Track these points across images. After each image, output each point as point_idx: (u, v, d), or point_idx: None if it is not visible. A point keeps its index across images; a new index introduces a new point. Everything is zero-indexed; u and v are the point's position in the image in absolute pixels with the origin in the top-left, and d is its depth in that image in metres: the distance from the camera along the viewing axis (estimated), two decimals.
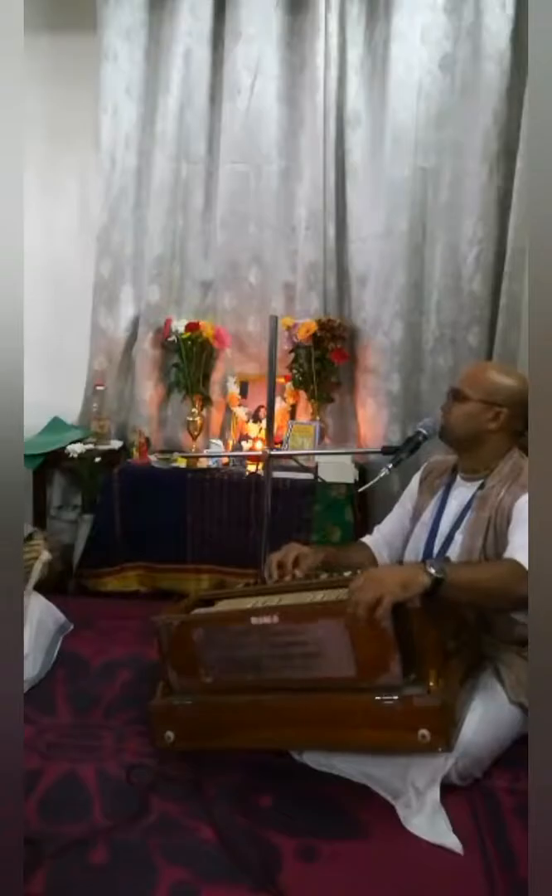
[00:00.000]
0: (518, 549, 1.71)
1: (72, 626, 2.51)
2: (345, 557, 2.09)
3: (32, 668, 2.18)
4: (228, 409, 3.27)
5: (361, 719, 1.61)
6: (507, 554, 1.74)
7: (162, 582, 2.98)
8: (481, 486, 1.94)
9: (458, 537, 1.92)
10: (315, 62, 3.00)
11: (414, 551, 2.03)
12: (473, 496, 1.94)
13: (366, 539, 2.21)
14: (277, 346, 2.43)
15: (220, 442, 3.22)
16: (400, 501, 2.20)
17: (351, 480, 2.89)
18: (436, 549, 1.94)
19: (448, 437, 2.01)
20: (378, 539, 2.18)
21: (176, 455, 3.09)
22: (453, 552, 1.90)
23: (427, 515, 2.04)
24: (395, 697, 1.57)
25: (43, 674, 2.23)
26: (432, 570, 1.58)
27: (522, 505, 1.81)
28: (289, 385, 3.19)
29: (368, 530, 2.43)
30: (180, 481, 2.94)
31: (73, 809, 1.64)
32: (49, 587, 2.49)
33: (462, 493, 1.99)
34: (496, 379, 1.97)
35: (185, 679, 1.81)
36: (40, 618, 2.35)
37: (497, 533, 1.85)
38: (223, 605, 1.95)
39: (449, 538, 1.94)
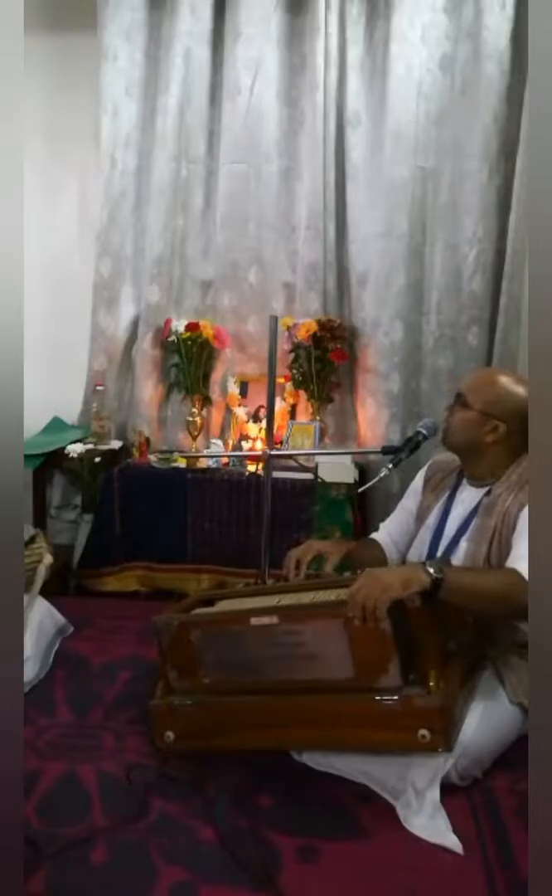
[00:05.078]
0: (519, 558, 1.70)
1: (71, 629, 2.51)
2: (360, 553, 2.07)
3: (32, 670, 2.18)
4: (228, 409, 3.27)
5: (361, 719, 1.61)
6: (509, 563, 1.73)
7: (162, 582, 2.98)
8: (487, 493, 1.90)
9: (463, 544, 1.89)
10: (315, 62, 3.00)
11: (417, 555, 2.00)
12: (479, 503, 1.90)
13: (375, 536, 2.18)
14: (277, 346, 2.43)
15: (219, 442, 3.22)
16: (403, 500, 2.17)
17: (351, 480, 2.89)
18: (439, 554, 1.91)
19: (448, 443, 1.98)
20: (385, 537, 2.15)
21: (176, 455, 3.09)
22: (457, 559, 1.88)
23: (431, 519, 2.01)
24: (395, 697, 1.57)
25: (42, 675, 2.23)
26: (432, 570, 1.58)
27: (526, 514, 1.78)
28: (289, 385, 3.19)
29: (368, 530, 2.42)
30: (180, 481, 2.94)
31: (73, 809, 1.64)
32: (49, 588, 2.49)
33: (468, 498, 1.95)
34: (501, 391, 1.89)
35: (185, 679, 1.80)
36: (41, 620, 2.35)
37: (502, 541, 1.82)
38: (223, 606, 1.95)
39: (453, 544, 1.91)
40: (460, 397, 1.95)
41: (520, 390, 1.89)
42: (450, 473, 2.05)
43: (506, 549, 1.80)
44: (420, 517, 2.07)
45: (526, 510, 1.79)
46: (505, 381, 1.93)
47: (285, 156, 3.13)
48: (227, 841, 1.54)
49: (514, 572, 1.66)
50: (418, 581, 1.57)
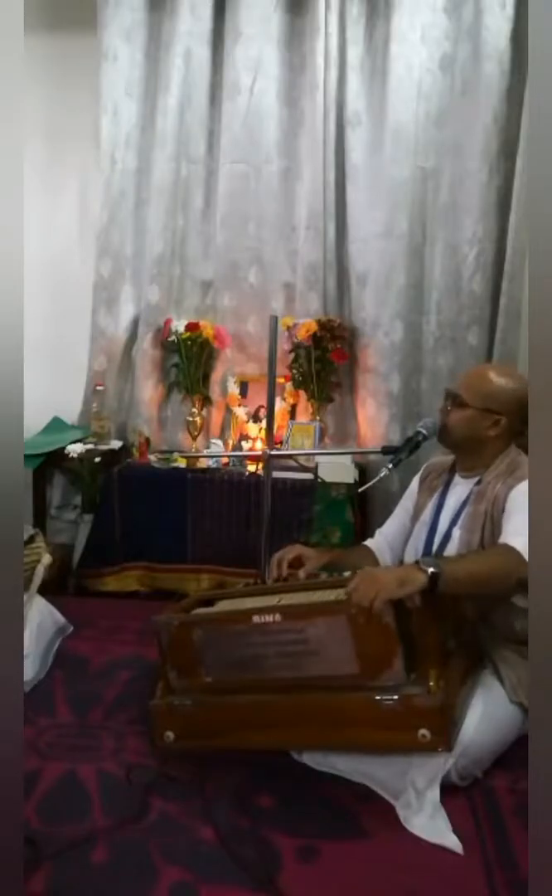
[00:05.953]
0: (511, 534, 1.73)
1: (71, 628, 2.51)
2: (348, 560, 2.08)
3: (31, 669, 2.19)
4: (228, 409, 3.27)
5: (361, 719, 1.61)
6: (501, 540, 1.75)
7: (162, 582, 2.98)
8: (478, 482, 1.94)
9: (456, 533, 1.92)
10: (315, 62, 3.00)
11: (413, 550, 2.02)
12: (471, 492, 1.94)
13: (369, 542, 2.20)
14: (277, 346, 2.43)
15: (220, 442, 3.22)
16: (401, 503, 2.20)
17: (351, 480, 2.89)
18: (434, 547, 1.94)
19: (446, 441, 2.01)
20: (380, 542, 2.17)
21: (176, 455, 3.09)
22: (451, 548, 1.90)
23: (426, 514, 2.03)
24: (395, 697, 1.57)
25: (42, 675, 2.23)
26: (428, 568, 1.58)
27: (516, 494, 1.82)
28: (289, 385, 3.19)
29: (368, 530, 2.42)
30: (180, 481, 2.94)
31: (72, 809, 1.64)
32: (49, 588, 2.49)
33: (460, 490, 1.99)
34: (495, 385, 1.93)
35: (185, 679, 1.81)
36: (40, 620, 2.35)
37: (493, 525, 1.85)
38: (223, 606, 1.95)
39: (447, 535, 1.94)
40: (456, 398, 1.97)
41: (512, 382, 1.94)
42: (444, 471, 2.09)
43: (497, 532, 1.82)
44: (416, 516, 2.09)
45: (514, 491, 1.83)
46: (496, 373, 1.99)
47: (285, 156, 3.13)
48: (227, 841, 1.54)
49: (508, 547, 1.68)
50: (414, 581, 1.57)
